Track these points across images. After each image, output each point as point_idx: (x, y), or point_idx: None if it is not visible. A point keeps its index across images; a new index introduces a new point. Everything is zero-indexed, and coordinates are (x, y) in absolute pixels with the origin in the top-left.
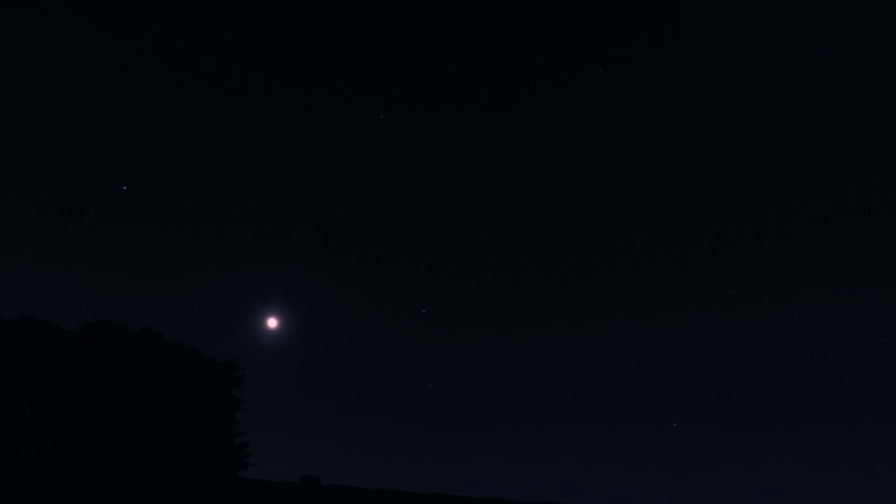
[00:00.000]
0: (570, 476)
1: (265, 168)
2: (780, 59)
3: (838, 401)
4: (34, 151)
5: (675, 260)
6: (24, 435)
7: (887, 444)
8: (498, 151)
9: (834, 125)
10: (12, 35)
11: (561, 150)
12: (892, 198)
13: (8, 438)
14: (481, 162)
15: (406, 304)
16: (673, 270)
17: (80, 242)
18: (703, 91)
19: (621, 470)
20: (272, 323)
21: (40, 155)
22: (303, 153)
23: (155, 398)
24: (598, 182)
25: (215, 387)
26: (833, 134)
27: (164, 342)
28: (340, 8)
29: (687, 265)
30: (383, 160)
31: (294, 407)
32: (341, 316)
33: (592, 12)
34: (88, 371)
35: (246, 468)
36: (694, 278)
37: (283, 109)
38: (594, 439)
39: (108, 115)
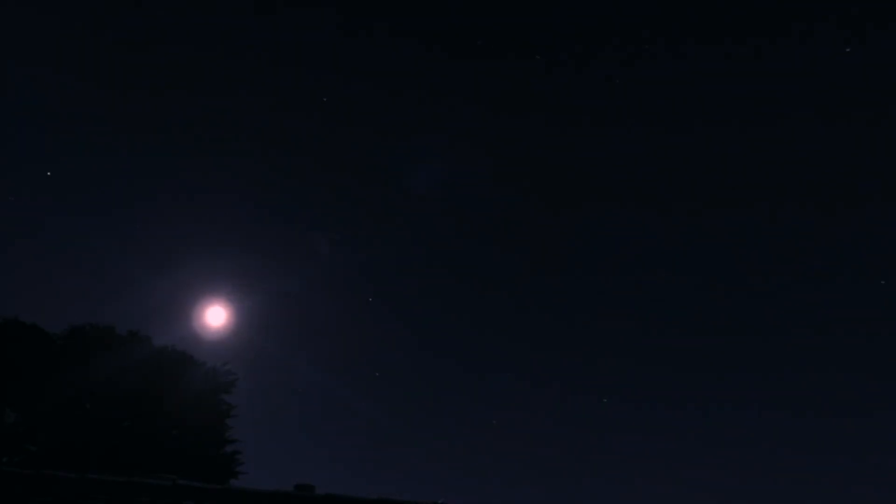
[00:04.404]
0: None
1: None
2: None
3: (770, 378)
4: None
5: (604, 233)
6: (7, 442)
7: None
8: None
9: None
10: None
11: None
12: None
13: None
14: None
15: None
16: (599, 242)
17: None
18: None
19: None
20: (219, 316)
21: None
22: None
23: (143, 404)
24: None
25: (206, 392)
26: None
27: (151, 346)
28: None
29: (621, 239)
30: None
31: (289, 411)
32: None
33: None
34: (75, 375)
35: (237, 476)
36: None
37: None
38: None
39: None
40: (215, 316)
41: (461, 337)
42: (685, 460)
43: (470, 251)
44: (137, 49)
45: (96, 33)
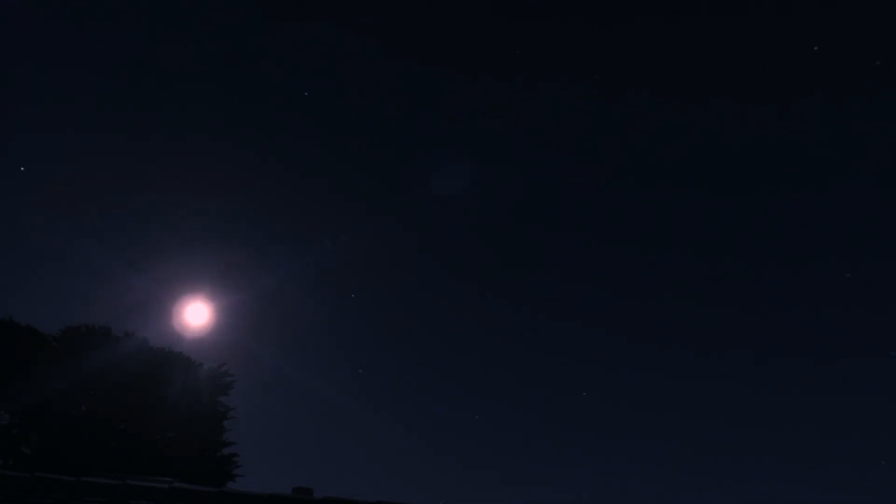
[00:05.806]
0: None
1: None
2: None
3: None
4: None
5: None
6: (1, 444)
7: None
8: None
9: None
10: None
11: None
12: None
13: None
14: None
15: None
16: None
17: None
18: None
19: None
20: (201, 312)
21: None
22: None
23: (140, 405)
24: None
25: (203, 393)
26: None
27: (148, 346)
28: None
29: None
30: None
31: (287, 413)
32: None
33: None
34: (70, 376)
35: (235, 479)
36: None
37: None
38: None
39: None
40: (201, 314)
41: (461, 336)
42: (671, 460)
43: (470, 253)
44: (121, 43)
45: (77, 26)
